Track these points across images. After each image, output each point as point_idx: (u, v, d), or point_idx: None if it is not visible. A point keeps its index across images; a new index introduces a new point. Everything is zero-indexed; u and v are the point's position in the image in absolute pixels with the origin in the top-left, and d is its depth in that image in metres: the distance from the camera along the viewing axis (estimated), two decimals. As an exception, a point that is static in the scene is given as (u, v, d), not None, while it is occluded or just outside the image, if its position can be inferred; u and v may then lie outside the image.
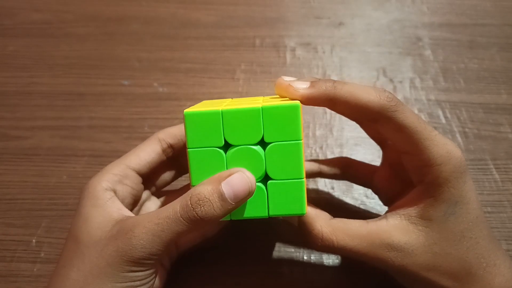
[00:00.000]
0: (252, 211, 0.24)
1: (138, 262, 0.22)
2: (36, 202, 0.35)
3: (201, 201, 0.22)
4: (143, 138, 0.38)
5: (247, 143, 0.23)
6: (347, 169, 0.32)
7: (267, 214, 0.24)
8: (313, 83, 0.23)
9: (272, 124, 0.23)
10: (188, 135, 0.23)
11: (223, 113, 0.23)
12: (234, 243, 0.32)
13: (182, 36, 0.49)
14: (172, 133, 0.28)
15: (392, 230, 0.24)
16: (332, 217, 0.26)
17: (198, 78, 0.45)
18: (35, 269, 0.32)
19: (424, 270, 0.24)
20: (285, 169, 0.23)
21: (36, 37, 0.49)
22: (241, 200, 0.22)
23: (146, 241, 0.21)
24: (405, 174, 0.27)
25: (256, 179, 0.23)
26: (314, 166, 0.32)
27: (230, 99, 0.29)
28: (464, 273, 0.24)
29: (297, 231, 0.26)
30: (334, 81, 0.23)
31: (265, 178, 0.24)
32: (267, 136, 0.23)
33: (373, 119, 0.24)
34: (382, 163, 0.31)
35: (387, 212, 0.26)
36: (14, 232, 0.34)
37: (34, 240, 0.33)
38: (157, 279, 0.28)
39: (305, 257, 0.32)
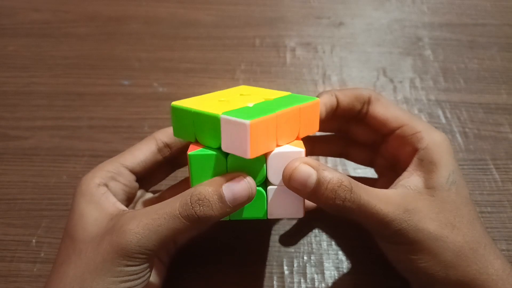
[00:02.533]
0: (251, 212, 0.24)
1: (133, 257, 0.22)
2: (36, 202, 0.35)
3: (200, 201, 0.22)
4: (143, 138, 0.39)
5: None
6: None
7: (265, 216, 0.24)
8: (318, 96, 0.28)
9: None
10: (174, 127, 0.23)
11: (193, 114, 0.23)
12: (234, 243, 0.32)
13: (182, 36, 0.49)
14: (169, 133, 0.28)
15: (404, 196, 0.24)
16: None
17: (198, 78, 0.45)
18: (35, 269, 0.32)
19: (432, 239, 0.24)
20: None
21: (36, 37, 0.49)
22: (240, 204, 0.22)
23: (142, 236, 0.21)
24: (401, 161, 0.28)
25: (256, 183, 0.23)
26: None
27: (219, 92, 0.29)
28: (467, 248, 0.24)
29: (308, 196, 0.24)
30: (327, 92, 0.29)
31: (265, 182, 0.24)
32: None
33: (366, 106, 0.28)
34: (379, 177, 0.32)
35: (390, 187, 0.26)
36: (14, 232, 0.34)
37: (34, 240, 0.33)
38: (155, 274, 0.28)
39: (305, 257, 0.32)
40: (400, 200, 0.24)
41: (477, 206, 0.35)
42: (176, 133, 0.25)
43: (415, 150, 0.26)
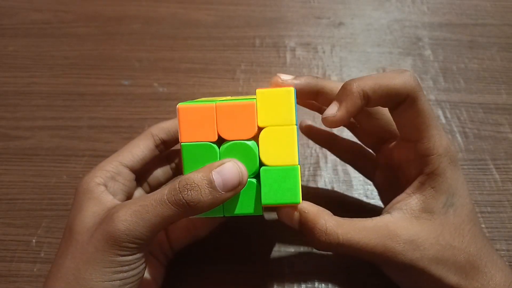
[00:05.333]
0: (246, 207, 0.24)
1: (123, 246, 0.22)
2: (36, 202, 0.35)
3: (189, 185, 0.21)
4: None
5: (241, 138, 0.23)
6: (357, 157, 0.32)
7: (260, 212, 0.24)
8: (339, 99, 0.24)
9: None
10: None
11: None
12: (234, 243, 0.32)
13: (182, 36, 0.49)
14: (165, 128, 0.28)
15: (398, 222, 0.24)
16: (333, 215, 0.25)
17: (198, 78, 0.45)
18: (35, 269, 0.32)
19: (433, 264, 0.23)
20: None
21: (36, 37, 0.49)
22: (231, 191, 0.22)
23: (130, 223, 0.21)
24: (402, 172, 0.27)
25: (249, 175, 0.23)
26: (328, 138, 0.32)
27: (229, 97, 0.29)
28: (469, 267, 0.24)
29: (299, 231, 0.25)
30: (354, 81, 0.23)
31: (258, 175, 0.23)
32: (261, 121, 0.23)
33: (397, 104, 0.24)
34: (379, 162, 0.31)
35: (387, 208, 0.26)
36: (14, 232, 0.34)
37: (34, 240, 0.33)
38: (154, 274, 0.28)
39: (305, 257, 0.32)
40: (393, 228, 0.24)
41: (477, 206, 0.35)
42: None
43: (419, 172, 0.25)
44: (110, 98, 0.43)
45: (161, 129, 0.28)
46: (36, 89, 0.44)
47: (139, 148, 0.27)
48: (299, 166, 0.23)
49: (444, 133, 0.25)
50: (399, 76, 0.23)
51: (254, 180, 0.23)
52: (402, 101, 0.24)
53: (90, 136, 0.40)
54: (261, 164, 0.23)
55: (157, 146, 0.28)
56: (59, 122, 0.41)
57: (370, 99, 0.23)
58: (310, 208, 0.24)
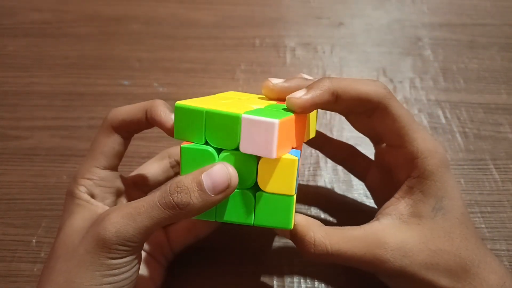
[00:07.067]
0: (238, 216, 0.23)
1: (113, 248, 0.21)
2: (36, 202, 0.35)
3: (179, 188, 0.21)
4: (143, 138, 0.39)
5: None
6: (349, 158, 0.32)
7: (252, 222, 0.23)
8: (310, 87, 0.24)
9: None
10: (176, 127, 0.22)
11: (206, 113, 0.22)
12: (234, 243, 0.32)
13: (182, 36, 0.49)
14: (124, 120, 0.26)
15: (387, 229, 0.24)
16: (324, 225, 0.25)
17: (198, 78, 0.45)
18: (35, 269, 0.32)
19: (423, 269, 0.23)
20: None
21: (36, 37, 0.49)
22: (221, 193, 0.22)
23: (120, 225, 0.21)
24: (393, 175, 0.27)
25: (246, 186, 0.23)
26: (322, 139, 0.33)
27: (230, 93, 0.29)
28: (460, 270, 0.24)
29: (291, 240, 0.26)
30: (330, 78, 0.24)
31: (254, 186, 0.23)
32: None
33: (370, 110, 0.25)
34: (374, 161, 0.31)
35: (377, 214, 0.26)
36: (14, 232, 0.34)
37: (34, 240, 0.33)
38: (154, 276, 0.28)
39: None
40: (381, 235, 0.24)
41: (477, 206, 0.35)
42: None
43: (408, 176, 0.25)
44: (110, 98, 0.43)
45: (120, 121, 0.26)
46: (35, 89, 0.44)
47: (108, 146, 0.26)
48: (295, 195, 0.23)
49: (430, 136, 0.25)
50: (370, 83, 0.25)
51: (248, 192, 0.23)
52: (374, 108, 0.25)
53: (89, 136, 0.40)
54: (258, 187, 0.23)
55: (125, 138, 0.27)
56: (59, 122, 0.41)
57: (340, 99, 0.24)
58: (300, 221, 0.24)
